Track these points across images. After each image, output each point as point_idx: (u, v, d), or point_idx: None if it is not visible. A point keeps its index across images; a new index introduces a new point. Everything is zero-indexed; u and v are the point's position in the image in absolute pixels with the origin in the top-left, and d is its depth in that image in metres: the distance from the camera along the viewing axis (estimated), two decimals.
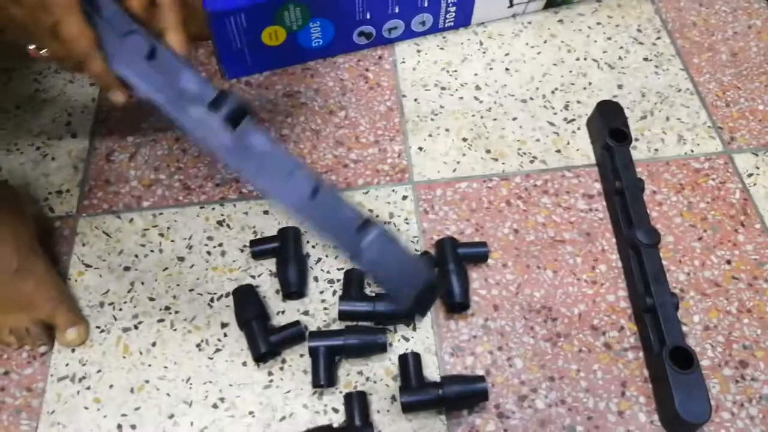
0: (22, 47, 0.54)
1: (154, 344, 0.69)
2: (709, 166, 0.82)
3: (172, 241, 0.76)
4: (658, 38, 0.94)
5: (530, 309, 0.72)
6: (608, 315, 0.71)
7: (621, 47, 0.93)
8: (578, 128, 0.85)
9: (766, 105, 0.87)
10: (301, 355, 0.68)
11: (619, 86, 0.89)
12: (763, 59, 0.92)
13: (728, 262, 0.75)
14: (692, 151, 0.83)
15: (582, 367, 0.68)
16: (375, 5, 0.86)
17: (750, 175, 0.81)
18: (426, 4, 0.89)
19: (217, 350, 0.69)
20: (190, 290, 0.73)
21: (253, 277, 0.74)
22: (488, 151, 0.84)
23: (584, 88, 0.89)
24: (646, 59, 0.92)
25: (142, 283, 0.73)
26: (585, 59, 0.92)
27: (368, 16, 0.88)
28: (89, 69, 0.55)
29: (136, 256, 0.75)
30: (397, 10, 0.88)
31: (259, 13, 0.83)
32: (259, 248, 0.74)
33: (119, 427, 0.65)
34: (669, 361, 0.64)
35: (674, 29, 0.96)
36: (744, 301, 0.72)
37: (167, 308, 0.72)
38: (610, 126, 0.81)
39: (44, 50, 0.54)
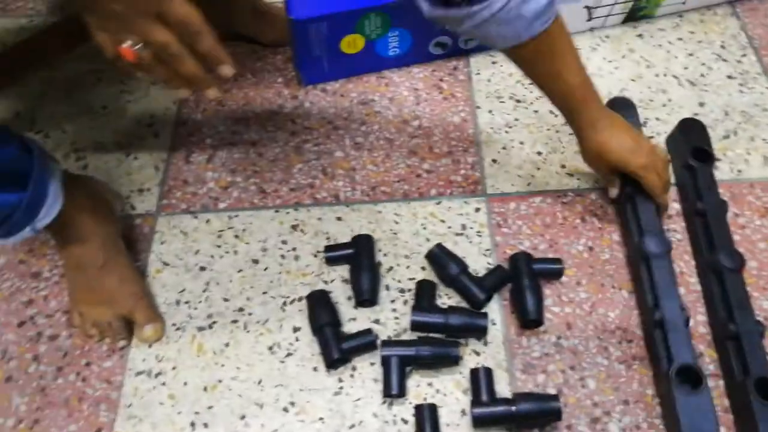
0: (111, 50, 0.54)
1: (227, 344, 0.71)
2: None
3: (247, 243, 0.78)
4: (744, 55, 0.91)
5: (604, 329, 0.70)
6: None
7: (703, 64, 0.91)
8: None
9: None
10: (372, 364, 0.68)
11: (701, 104, 0.87)
12: None
13: None
14: None
15: (657, 393, 0.66)
16: None
17: None
18: None
19: (289, 354, 0.70)
20: (264, 293, 0.74)
21: (325, 282, 0.74)
22: (563, 166, 0.82)
23: (664, 105, 0.87)
24: (730, 77, 0.89)
25: (217, 284, 0.75)
26: (665, 75, 0.90)
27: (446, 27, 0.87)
28: (203, 44, 0.55)
29: (212, 256, 0.77)
30: None
31: (341, 21, 0.83)
32: (333, 254, 0.75)
33: (192, 424, 0.66)
34: (754, 392, 0.62)
35: (761, 46, 0.92)
36: None
37: (241, 309, 0.73)
38: (692, 145, 0.78)
39: (140, 45, 0.53)
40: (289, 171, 0.83)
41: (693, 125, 0.81)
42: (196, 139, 0.87)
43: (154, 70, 0.55)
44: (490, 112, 0.88)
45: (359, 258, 0.74)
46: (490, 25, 0.60)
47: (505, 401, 0.64)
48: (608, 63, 0.92)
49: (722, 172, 0.81)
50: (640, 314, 0.71)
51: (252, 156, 0.85)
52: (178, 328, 0.72)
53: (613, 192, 0.77)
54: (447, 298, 0.72)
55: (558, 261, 0.74)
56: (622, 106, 0.82)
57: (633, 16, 0.94)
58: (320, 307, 0.71)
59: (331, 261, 0.75)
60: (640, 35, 0.95)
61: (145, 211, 0.81)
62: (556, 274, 0.73)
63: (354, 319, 0.72)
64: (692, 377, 0.63)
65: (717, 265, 0.70)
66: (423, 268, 0.75)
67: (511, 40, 0.62)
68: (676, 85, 0.89)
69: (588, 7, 0.90)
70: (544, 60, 0.66)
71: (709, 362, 0.68)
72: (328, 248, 0.75)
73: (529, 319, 0.70)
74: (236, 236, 0.78)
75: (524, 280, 0.71)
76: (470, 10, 0.59)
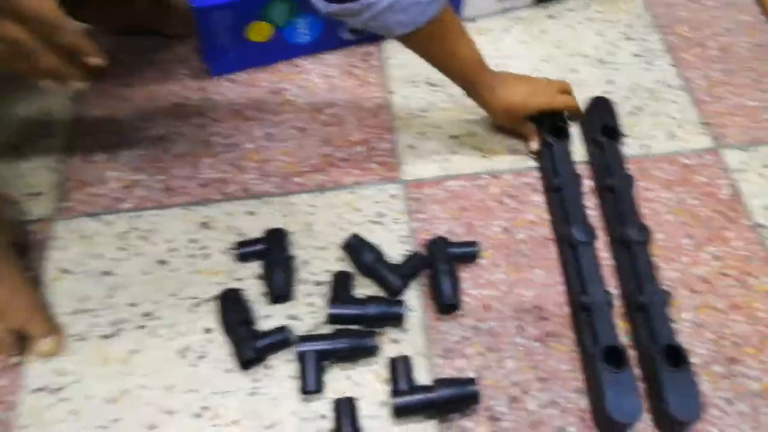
0: None
1: (134, 352, 0.67)
2: (699, 162, 0.81)
3: (154, 244, 0.74)
4: (648, 34, 0.93)
5: (521, 309, 0.70)
6: None
7: (611, 43, 0.92)
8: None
9: (755, 101, 0.87)
10: (288, 361, 0.66)
11: (609, 82, 0.88)
12: (752, 55, 0.91)
13: (718, 258, 0.74)
14: (682, 147, 0.82)
15: (574, 368, 0.67)
16: None
17: (739, 171, 0.80)
18: None
19: (201, 357, 0.67)
20: (173, 295, 0.71)
21: (238, 280, 0.71)
22: (479, 149, 0.82)
23: (575, 84, 0.86)
24: (636, 55, 0.91)
25: (122, 288, 0.71)
26: (575, 55, 0.91)
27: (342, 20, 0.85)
28: (62, 37, 0.54)
29: (116, 260, 0.73)
30: None
31: (246, 8, 0.80)
32: (245, 250, 0.72)
33: None
34: (660, 359, 0.64)
35: (664, 25, 0.95)
36: (733, 298, 0.71)
37: (148, 314, 0.69)
38: (601, 122, 0.80)
39: None
40: (197, 166, 0.80)
41: (602, 103, 0.83)
42: (96, 137, 0.82)
43: (12, 65, 0.53)
44: (404, 97, 0.86)
45: (272, 253, 0.71)
46: (388, 13, 0.60)
47: (424, 388, 0.64)
48: (521, 44, 0.92)
49: (631, 147, 0.82)
50: (568, 295, 0.71)
51: (157, 152, 0.81)
52: (79, 339, 0.68)
53: (534, 144, 0.80)
54: (365, 288, 0.71)
55: (473, 244, 0.73)
56: (602, 107, 0.82)
57: None
58: (231, 305, 0.68)
59: (243, 257, 0.72)
60: (550, 16, 0.95)
61: (39, 217, 0.75)
62: (471, 257, 0.73)
63: (269, 317, 0.69)
64: (616, 357, 0.64)
65: (625, 238, 0.72)
66: (340, 260, 0.73)
67: (409, 26, 0.63)
68: (586, 65, 0.90)
69: None
70: (440, 41, 0.68)
71: (622, 333, 0.69)
72: (239, 244, 0.73)
73: (446, 304, 0.69)
74: (141, 237, 0.74)
75: (440, 265, 0.71)
76: (369, 1, 0.59)
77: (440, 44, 0.69)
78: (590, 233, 0.72)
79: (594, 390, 0.65)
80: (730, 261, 0.74)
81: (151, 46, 0.91)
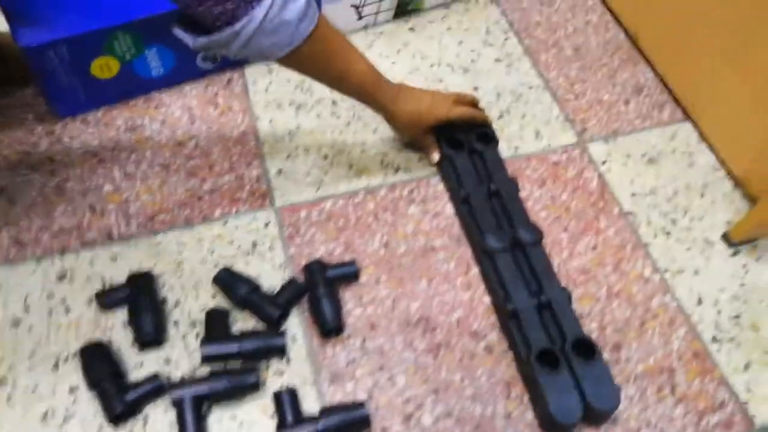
0: None
1: None
2: (567, 157, 0.84)
3: (3, 305, 0.67)
4: (506, 39, 0.97)
5: (408, 323, 0.69)
6: (486, 318, 0.70)
7: (473, 50, 0.95)
8: None
9: (611, 94, 0.91)
10: (167, 410, 0.62)
11: (475, 88, 0.90)
12: (603, 52, 0.96)
13: (594, 248, 0.76)
14: (549, 145, 0.85)
15: (466, 375, 0.66)
16: None
17: (604, 163, 0.84)
18: None
19: (67, 419, 0.61)
20: (30, 356, 0.65)
21: (103, 331, 0.66)
22: (351, 167, 0.81)
23: None
24: (497, 60, 0.94)
25: None
26: (440, 65, 0.93)
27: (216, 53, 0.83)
28: None
29: None
30: None
31: (83, 44, 0.76)
32: (107, 299, 0.67)
33: None
34: (571, 353, 0.64)
35: (520, 29, 0.98)
36: (612, 286, 0.73)
37: (2, 381, 0.63)
38: (476, 130, 0.81)
39: None
40: (51, 215, 0.74)
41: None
42: None
43: None
44: (270, 121, 0.84)
45: (137, 297, 0.67)
46: (259, 37, 0.59)
47: (311, 419, 0.61)
48: (385, 58, 0.93)
49: (501, 150, 0.84)
50: (493, 304, 0.71)
51: (3, 205, 0.74)
52: None
53: (435, 156, 0.80)
54: (243, 322, 0.68)
55: (352, 264, 0.72)
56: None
57: (403, 11, 0.96)
58: (94, 360, 0.63)
59: (107, 305, 0.67)
60: (412, 29, 0.97)
61: None
62: (352, 277, 0.71)
63: (141, 365, 0.64)
64: (550, 359, 0.64)
65: (519, 241, 0.72)
66: (214, 296, 0.69)
67: (285, 47, 0.61)
68: (451, 73, 0.92)
69: (355, 6, 0.91)
70: (326, 58, 0.67)
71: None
72: (101, 293, 0.68)
73: (329, 329, 0.67)
74: None
75: (319, 289, 0.68)
76: (233, 30, 0.57)
77: (328, 61, 0.67)
78: (504, 240, 0.72)
79: (534, 395, 0.65)
80: (606, 250, 0.76)
81: None
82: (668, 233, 0.78)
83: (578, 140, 0.86)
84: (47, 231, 0.73)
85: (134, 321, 0.66)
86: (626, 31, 0.98)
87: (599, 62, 0.95)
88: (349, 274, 0.71)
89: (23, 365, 0.64)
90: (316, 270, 0.70)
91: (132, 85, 0.83)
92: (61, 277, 0.70)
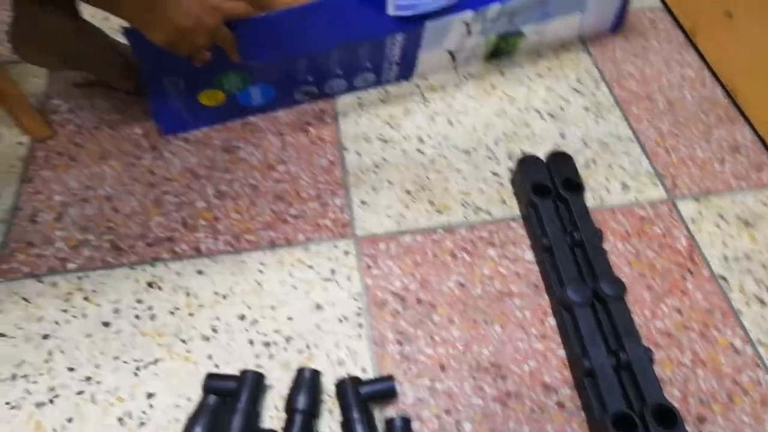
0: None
1: (70, 420, 0.60)
2: (654, 213, 0.78)
3: (98, 305, 0.68)
4: (597, 88, 0.92)
5: (479, 367, 0.65)
6: (560, 372, 0.65)
7: (561, 97, 0.91)
8: None
9: (705, 152, 0.85)
10: None
11: (562, 135, 0.86)
12: (698, 108, 0.90)
13: (679, 311, 0.70)
14: (636, 198, 0.80)
15: (534, 429, 0.61)
16: (317, 69, 0.83)
17: (694, 222, 0.78)
18: (369, 65, 0.85)
19: (142, 423, 0.61)
20: (115, 358, 0.65)
21: (183, 341, 0.66)
22: (432, 203, 0.78)
23: (527, 138, 0.85)
24: (586, 108, 0.89)
25: (62, 352, 0.65)
26: (527, 109, 0.89)
27: (310, 78, 0.83)
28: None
29: (57, 322, 0.67)
30: (339, 71, 0.84)
31: (197, 78, 0.78)
32: (213, 383, 0.62)
33: None
34: (653, 421, 0.58)
35: (612, 79, 0.93)
36: (697, 352, 0.67)
37: (88, 378, 0.63)
38: (531, 181, 0.76)
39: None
40: (147, 225, 0.75)
41: (561, 157, 0.79)
42: (44, 197, 0.77)
43: (184, 46, 0.68)
44: (357, 153, 0.83)
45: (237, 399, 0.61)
46: None
47: None
48: (473, 100, 0.90)
49: (586, 199, 0.79)
50: (568, 359, 0.66)
51: (106, 211, 0.76)
52: (12, 407, 0.61)
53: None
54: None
55: (389, 379, 0.63)
56: (561, 159, 0.79)
57: (494, 55, 0.94)
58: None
59: (207, 390, 0.61)
60: (501, 72, 0.94)
61: None
62: (389, 394, 0.63)
63: None
64: (626, 424, 0.58)
65: (601, 294, 0.67)
66: (289, 318, 0.68)
67: None
68: (538, 119, 0.88)
69: (450, 52, 0.89)
70: None
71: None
72: (212, 375, 0.62)
73: None
74: (86, 298, 0.69)
75: (353, 412, 0.60)
76: None
77: None
78: (585, 293, 0.67)
79: None
80: (692, 313, 0.70)
81: (104, 105, 0.87)
82: (763, 302, 0.71)
83: (667, 196, 0.80)
84: (143, 240, 0.74)
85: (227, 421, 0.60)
86: (724, 88, 0.92)
87: (694, 118, 0.89)
88: (386, 391, 0.62)
89: (108, 366, 0.64)
90: (349, 390, 0.62)
91: (232, 112, 0.84)
92: (150, 286, 0.70)
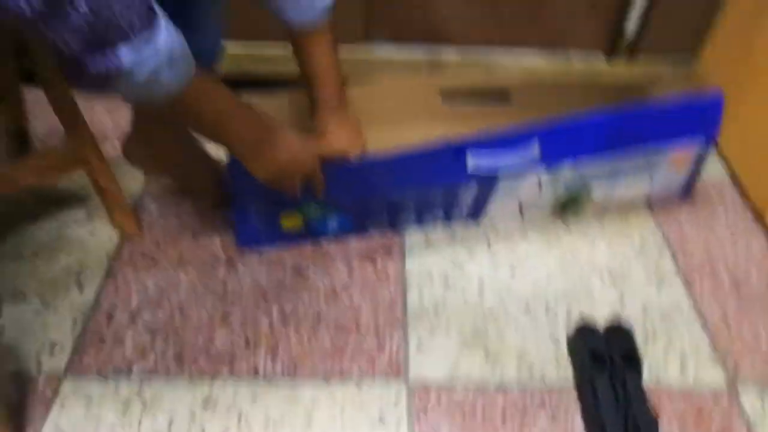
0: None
1: None
2: (713, 402, 0.75)
3: (153, 416, 0.70)
4: (661, 254, 0.92)
5: None
6: None
7: (624, 259, 0.91)
8: None
9: None
10: None
11: (621, 300, 0.86)
12: (764, 288, 0.89)
13: None
14: (695, 382, 0.77)
15: None
16: (393, 208, 0.87)
17: (757, 416, 0.74)
18: (441, 207, 0.89)
19: None
20: None
21: None
22: (488, 355, 0.79)
23: (587, 298, 0.85)
24: (648, 275, 0.89)
25: None
26: (589, 268, 0.90)
27: (385, 215, 0.88)
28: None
29: (113, 426, 0.69)
30: (413, 211, 0.89)
31: (282, 202, 0.82)
32: None
33: None
34: None
35: (676, 246, 0.94)
36: None
37: None
38: (589, 347, 0.75)
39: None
40: (211, 338, 0.78)
41: (620, 330, 0.79)
42: (123, 295, 0.82)
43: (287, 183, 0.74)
44: (419, 292, 0.85)
45: None
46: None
47: None
48: (536, 251, 0.92)
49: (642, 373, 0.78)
50: None
51: (176, 318, 0.80)
52: None
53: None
54: None
55: None
56: (619, 331, 0.79)
57: (562, 209, 0.96)
58: None
59: None
60: (567, 227, 0.96)
61: (51, 371, 0.73)
62: None
63: None
64: None
65: None
66: None
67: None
68: (599, 279, 0.89)
69: (520, 203, 0.92)
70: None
71: None
72: None
73: None
74: (143, 407, 0.71)
75: None
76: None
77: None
78: None
79: None
80: None
81: (189, 211, 0.93)
82: None
83: (728, 383, 0.77)
84: (205, 353, 0.76)
85: None
86: None
87: (759, 299, 0.87)
88: None
89: None
90: None
91: (308, 235, 0.88)
92: (206, 403, 0.72)
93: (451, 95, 1.00)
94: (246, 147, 0.67)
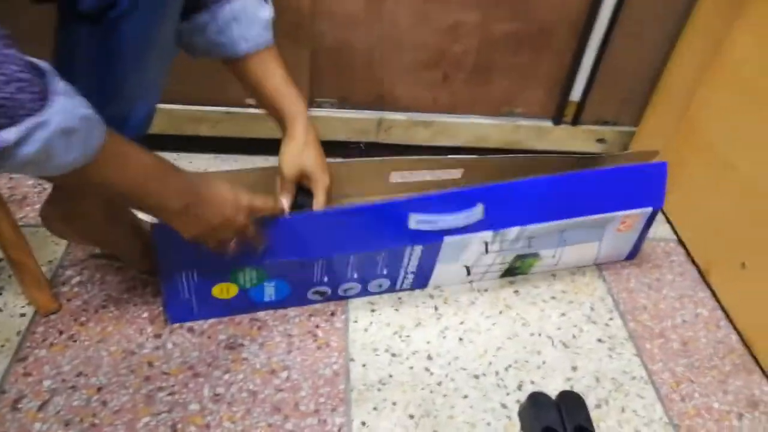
0: None
1: None
2: None
3: None
4: (611, 319, 0.90)
5: None
6: None
7: (575, 325, 0.89)
8: None
9: (721, 403, 0.81)
10: None
11: (573, 368, 0.82)
12: (713, 352, 0.88)
13: None
14: None
15: None
16: (334, 271, 0.82)
17: None
18: (385, 272, 0.85)
19: None
20: None
21: None
22: None
23: (538, 367, 0.82)
24: (599, 340, 0.87)
25: None
26: (539, 335, 0.87)
27: (325, 279, 0.83)
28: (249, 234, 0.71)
29: None
30: (355, 276, 0.84)
31: (212, 271, 0.77)
32: None
33: None
34: None
35: (626, 311, 0.92)
36: None
37: None
38: (541, 422, 0.72)
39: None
40: (133, 426, 0.69)
41: (572, 399, 0.76)
42: (33, 380, 0.73)
43: (212, 241, 0.70)
44: (364, 365, 0.80)
45: None
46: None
47: None
48: (486, 318, 0.88)
49: None
50: None
51: (94, 404, 0.71)
52: None
53: (286, 202, 0.80)
54: None
55: None
56: (574, 401, 0.76)
57: (509, 273, 0.93)
58: None
59: None
60: (516, 291, 0.93)
61: None
62: None
63: None
64: None
65: None
66: None
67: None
68: (550, 346, 0.85)
69: (467, 267, 0.89)
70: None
71: None
72: None
73: None
74: None
75: None
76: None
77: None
78: None
79: None
80: None
81: (115, 282, 0.85)
82: None
83: None
84: None
85: None
86: (739, 334, 0.90)
87: (708, 363, 0.86)
88: None
89: None
90: None
91: (243, 306, 0.82)
92: None
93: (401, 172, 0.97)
94: (171, 210, 0.62)
